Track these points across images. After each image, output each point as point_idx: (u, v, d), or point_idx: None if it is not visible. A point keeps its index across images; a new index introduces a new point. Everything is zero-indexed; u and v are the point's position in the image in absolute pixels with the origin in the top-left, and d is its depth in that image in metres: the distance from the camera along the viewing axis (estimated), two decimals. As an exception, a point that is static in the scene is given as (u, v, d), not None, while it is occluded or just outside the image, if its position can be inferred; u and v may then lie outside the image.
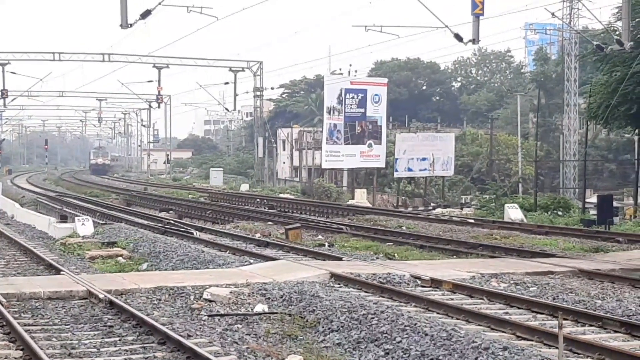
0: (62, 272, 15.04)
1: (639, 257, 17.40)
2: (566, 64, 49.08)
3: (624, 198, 41.41)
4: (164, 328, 9.89)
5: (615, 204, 28.79)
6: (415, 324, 10.00)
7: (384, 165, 47.06)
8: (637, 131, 31.65)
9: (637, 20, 27.36)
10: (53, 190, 56.29)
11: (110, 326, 10.51)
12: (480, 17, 22.36)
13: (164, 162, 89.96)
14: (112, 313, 11.28)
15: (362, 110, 44.97)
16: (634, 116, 28.48)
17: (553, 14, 30.29)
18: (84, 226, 23.17)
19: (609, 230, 23.44)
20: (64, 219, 27.69)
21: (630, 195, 39.29)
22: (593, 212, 29.10)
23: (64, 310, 11.57)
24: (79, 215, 26.46)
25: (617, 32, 26.24)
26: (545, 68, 67.28)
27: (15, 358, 9.04)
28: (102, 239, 21.62)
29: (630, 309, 11.52)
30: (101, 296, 12.00)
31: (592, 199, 33.60)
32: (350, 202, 40.22)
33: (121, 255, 18.68)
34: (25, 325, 10.34)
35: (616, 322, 10.51)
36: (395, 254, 19.46)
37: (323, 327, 10.63)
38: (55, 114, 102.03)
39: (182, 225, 26.12)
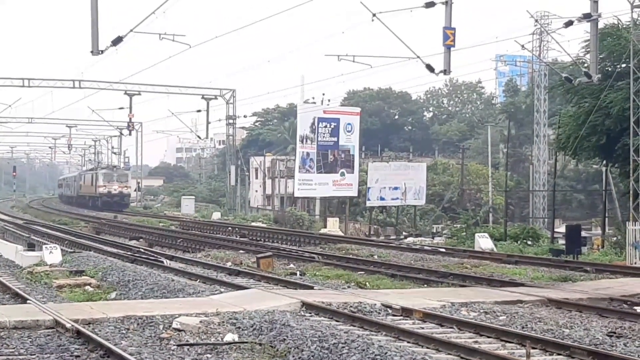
0: (28, 301, 14.81)
1: (607, 287, 17.58)
2: (536, 96, 49.84)
3: (592, 228, 41.90)
4: (132, 358, 9.77)
5: (583, 233, 29.13)
6: (386, 353, 9.99)
7: (356, 194, 47.21)
8: (605, 162, 32.12)
9: (604, 53, 27.92)
10: (21, 217, 55.56)
11: (77, 356, 10.35)
12: (452, 49, 22.66)
13: (135, 190, 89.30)
14: (79, 343, 11.12)
15: (335, 139, 45.19)
16: (602, 147, 28.93)
17: (523, 46, 30.80)
18: (52, 254, 22.86)
19: (577, 260, 23.66)
20: (31, 247, 27.34)
21: (598, 225, 39.74)
22: (562, 241, 29.39)
23: (30, 339, 11.37)
24: (46, 244, 26.13)
25: (586, 65, 26.75)
26: (515, 99, 68.25)
27: (-21, 389, 8.87)
28: (70, 268, 21.34)
29: (598, 338, 11.62)
30: (68, 325, 11.82)
31: (561, 228, 33.94)
32: (323, 230, 40.22)
33: (89, 284, 18.46)
34: (-11, 355, 10.16)
35: (584, 351, 10.58)
36: (367, 283, 19.46)
37: (294, 356, 10.57)
38: (24, 140, 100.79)
39: (152, 254, 25.89)
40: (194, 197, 71.46)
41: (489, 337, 11.83)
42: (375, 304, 14.24)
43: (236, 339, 11.45)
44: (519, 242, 30.93)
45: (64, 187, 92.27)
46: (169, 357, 10.33)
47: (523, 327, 12.53)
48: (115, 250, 27.19)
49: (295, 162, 45.92)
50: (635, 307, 14.96)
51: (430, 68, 23.54)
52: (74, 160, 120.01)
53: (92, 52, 24.62)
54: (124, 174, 73.69)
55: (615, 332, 12.33)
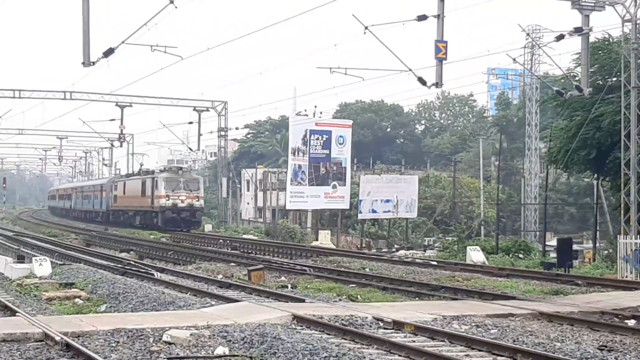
0: (17, 314, 14.70)
1: (598, 300, 17.58)
2: (527, 109, 50.05)
3: (584, 241, 41.99)
4: (121, 371, 9.69)
5: (574, 247, 29.20)
6: (377, 367, 9.95)
7: (348, 207, 47.20)
8: (596, 175, 32.24)
9: (595, 66, 28.08)
10: (10, 229, 55.27)
11: (66, 369, 10.27)
12: (444, 62, 22.71)
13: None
14: (69, 356, 11.04)
15: (327, 151, 45.24)
16: (593, 161, 29.05)
17: (514, 59, 30.92)
18: (42, 266, 22.74)
19: (568, 273, 23.70)
20: (21, 259, 27.18)
21: (589, 238, 39.86)
22: (553, 255, 29.44)
23: (19, 352, 11.28)
24: (36, 256, 25.98)
25: (577, 78, 26.89)
26: (507, 112, 68.52)
27: (-34, 403, 8.78)
28: (60, 280, 21.21)
29: (589, 352, 11.61)
30: (57, 338, 11.74)
31: (553, 242, 34.00)
32: (314, 243, 40.14)
33: (79, 297, 18.35)
34: (-23, 369, 10.06)
35: (576, 364, 10.57)
36: (358, 296, 19.41)
37: (284, 370, 10.52)
38: (14, 152, 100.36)
39: (142, 266, 25.78)
40: (185, 209, 71.02)
41: (480, 350, 11.80)
42: (366, 317, 14.20)
43: (227, 352, 11.39)
44: (510, 255, 30.95)
45: (76, 200, 74.02)
46: (158, 371, 10.26)
47: (514, 341, 12.50)
48: (105, 263, 27.07)
49: (287, 175, 45.91)
50: (626, 321, 14.98)
51: (422, 81, 23.59)
52: (65, 172, 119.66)
53: (83, 63, 24.56)
54: (194, 179, 52.03)
55: (606, 346, 12.33)
